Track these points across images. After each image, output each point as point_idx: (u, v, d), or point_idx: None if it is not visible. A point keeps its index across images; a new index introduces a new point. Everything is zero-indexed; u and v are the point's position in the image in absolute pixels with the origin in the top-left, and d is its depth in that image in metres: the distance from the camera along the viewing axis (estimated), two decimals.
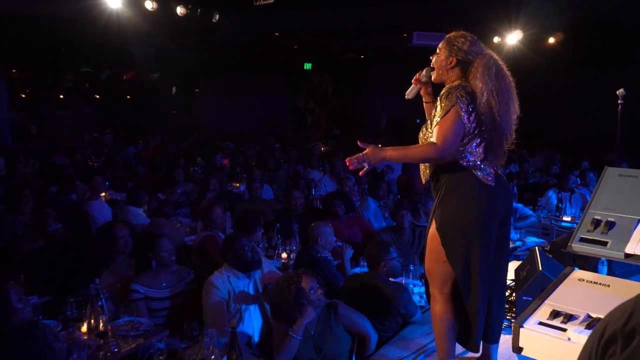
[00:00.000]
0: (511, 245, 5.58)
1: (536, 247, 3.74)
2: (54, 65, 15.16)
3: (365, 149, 2.56)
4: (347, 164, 2.59)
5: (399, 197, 6.67)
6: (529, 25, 10.13)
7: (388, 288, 3.58)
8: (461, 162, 2.61)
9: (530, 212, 6.23)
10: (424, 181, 2.90)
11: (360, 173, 2.71)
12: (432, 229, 2.73)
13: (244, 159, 10.47)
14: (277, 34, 12.96)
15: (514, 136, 2.72)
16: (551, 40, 10.88)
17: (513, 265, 4.53)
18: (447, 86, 2.67)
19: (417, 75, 2.89)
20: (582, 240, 1.73)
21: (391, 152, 2.61)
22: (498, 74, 2.61)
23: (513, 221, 6.18)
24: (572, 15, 9.36)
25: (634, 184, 1.86)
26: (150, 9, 7.40)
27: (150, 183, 7.98)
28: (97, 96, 18.96)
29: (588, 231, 1.75)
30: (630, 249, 1.63)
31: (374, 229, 5.50)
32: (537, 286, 3.31)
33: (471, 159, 2.61)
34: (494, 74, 2.59)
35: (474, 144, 2.61)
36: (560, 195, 7.02)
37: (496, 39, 10.90)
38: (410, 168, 8.45)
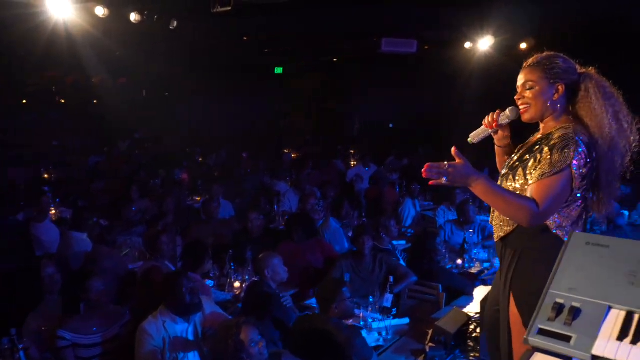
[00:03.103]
0: (479, 267, 5.32)
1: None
2: (18, 69, 14.50)
3: (456, 160, 2.05)
4: (424, 170, 2.02)
5: (364, 218, 6.33)
6: (500, 31, 9.94)
7: (341, 333, 3.24)
8: (547, 222, 2.13)
9: None
10: (495, 239, 2.37)
11: (430, 182, 2.08)
12: (513, 307, 2.20)
13: (207, 170, 10.07)
14: (245, 38, 12.64)
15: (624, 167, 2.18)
16: (523, 45, 10.69)
17: (480, 293, 4.27)
18: (562, 133, 2.12)
19: (491, 116, 2.38)
20: (542, 332, 1.40)
21: (482, 185, 2.04)
22: (611, 94, 2.16)
23: (481, 239, 5.92)
24: (543, 21, 9.19)
25: (604, 256, 1.53)
26: (101, 16, 6.97)
27: (109, 196, 7.57)
28: (63, 100, 18.29)
29: (549, 319, 1.42)
30: (599, 349, 1.30)
31: (335, 254, 5.16)
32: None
33: (558, 221, 2.13)
34: (609, 95, 2.14)
35: (572, 208, 2.14)
36: None
37: (468, 45, 10.70)
38: (382, 181, 8.16)
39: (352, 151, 14.09)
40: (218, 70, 15.76)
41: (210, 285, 4.77)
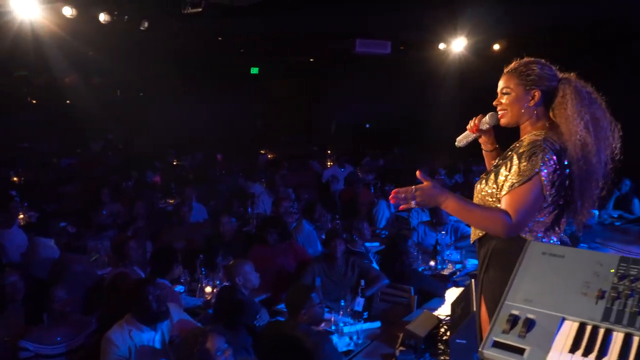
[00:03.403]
0: (451, 269, 5.34)
1: (473, 281, 3.42)
2: None
3: (422, 183, 2.04)
4: (391, 197, 2.02)
5: (337, 220, 6.31)
6: (473, 33, 10.03)
7: (309, 339, 3.22)
8: None
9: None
10: (472, 241, 2.42)
11: (401, 207, 2.08)
12: (484, 313, 2.26)
13: (181, 172, 9.95)
14: (220, 38, 12.55)
15: (604, 180, 2.14)
16: (496, 47, 10.81)
17: (451, 294, 4.29)
18: (531, 139, 2.13)
19: (474, 121, 2.42)
20: (496, 345, 1.39)
21: (452, 203, 2.05)
22: (591, 99, 2.11)
23: (454, 240, 5.95)
24: (515, 22, 9.30)
25: (559, 267, 1.53)
26: (69, 16, 6.83)
27: (79, 202, 7.42)
28: (34, 101, 17.91)
29: (503, 331, 1.41)
30: None
31: (308, 257, 5.14)
32: (471, 329, 3.02)
33: (529, 225, 2.13)
34: (588, 101, 2.09)
35: (544, 214, 2.13)
36: None
37: (442, 46, 10.78)
38: (356, 182, 8.16)
39: (328, 151, 14.09)
40: (193, 71, 15.61)
41: (181, 290, 4.70)
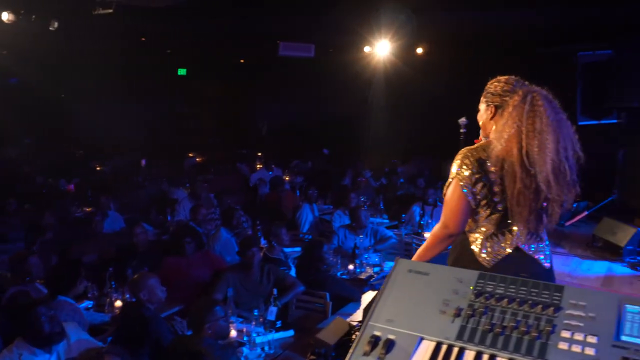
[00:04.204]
0: (369, 272, 5.39)
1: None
2: None
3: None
4: None
5: (259, 226, 6.22)
6: (397, 36, 10.20)
7: (213, 355, 3.13)
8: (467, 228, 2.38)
9: (391, 234, 6.09)
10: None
11: None
12: None
13: (101, 178, 9.56)
14: (143, 39, 12.16)
15: (562, 197, 2.17)
16: (419, 50, 11.05)
17: (367, 299, 4.31)
18: (466, 147, 2.38)
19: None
20: None
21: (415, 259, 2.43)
22: (532, 112, 2.13)
23: (373, 243, 6.02)
24: (437, 27, 9.54)
25: (423, 285, 1.54)
26: None
27: None
28: None
29: (364, 353, 1.40)
30: None
31: (225, 266, 5.03)
32: None
33: (474, 228, 2.35)
34: (526, 112, 2.13)
35: (483, 218, 2.30)
36: (423, 210, 6.97)
37: (367, 49, 10.91)
38: (279, 186, 8.11)
39: (259, 154, 13.98)
40: (118, 73, 15.02)
41: (89, 306, 4.50)
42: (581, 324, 1.34)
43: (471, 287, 1.49)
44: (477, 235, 2.33)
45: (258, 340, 3.90)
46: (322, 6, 8.57)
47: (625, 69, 7.29)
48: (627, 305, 1.37)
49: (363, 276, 5.22)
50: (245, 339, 3.91)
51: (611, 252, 6.28)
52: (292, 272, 5.10)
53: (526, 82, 2.43)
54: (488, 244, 2.30)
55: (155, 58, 14.35)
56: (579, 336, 1.32)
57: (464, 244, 2.37)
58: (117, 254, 5.24)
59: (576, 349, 1.29)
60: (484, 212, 2.29)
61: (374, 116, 12.78)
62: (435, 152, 12.14)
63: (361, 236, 5.73)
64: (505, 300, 1.44)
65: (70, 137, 14.74)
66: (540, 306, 1.40)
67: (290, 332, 4.02)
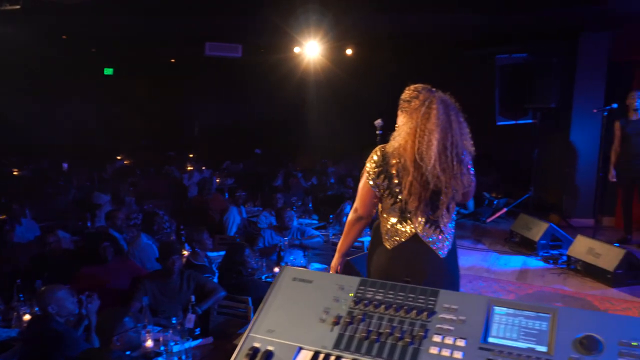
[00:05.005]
0: None
1: None
2: None
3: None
4: None
5: (182, 231, 6.08)
6: (326, 37, 10.26)
7: None
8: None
9: (317, 233, 6.11)
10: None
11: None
12: None
13: (20, 183, 9.07)
14: (64, 37, 11.64)
15: (458, 189, 2.45)
16: (348, 52, 11.17)
17: None
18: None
19: None
20: None
21: (339, 247, 2.89)
22: (426, 114, 2.40)
23: (301, 238, 6.02)
24: (366, 29, 9.67)
25: (305, 293, 1.54)
26: None
27: None
28: None
29: None
30: None
31: (142, 272, 4.88)
32: None
33: (384, 215, 2.63)
34: (422, 114, 2.41)
35: (388, 206, 2.59)
36: None
37: (297, 49, 10.92)
38: (207, 190, 7.97)
39: (190, 155, 13.70)
40: (38, 72, 14.27)
41: None
42: (452, 328, 1.38)
43: (351, 295, 1.51)
44: (384, 221, 2.64)
45: (175, 349, 3.80)
46: (250, 6, 8.50)
47: (538, 71, 7.65)
48: (495, 307, 1.42)
49: None
50: (162, 348, 3.81)
51: (526, 246, 6.59)
52: (216, 278, 5.02)
53: (434, 89, 2.69)
54: (392, 230, 2.58)
55: (80, 57, 13.78)
56: (449, 340, 1.35)
57: (377, 228, 2.72)
58: (28, 265, 4.97)
59: (445, 353, 1.33)
60: (388, 201, 2.59)
61: (307, 116, 12.82)
62: (365, 152, 12.34)
63: (285, 239, 5.71)
64: (383, 306, 1.46)
65: None
66: (415, 311, 1.43)
67: (210, 339, 3.95)
